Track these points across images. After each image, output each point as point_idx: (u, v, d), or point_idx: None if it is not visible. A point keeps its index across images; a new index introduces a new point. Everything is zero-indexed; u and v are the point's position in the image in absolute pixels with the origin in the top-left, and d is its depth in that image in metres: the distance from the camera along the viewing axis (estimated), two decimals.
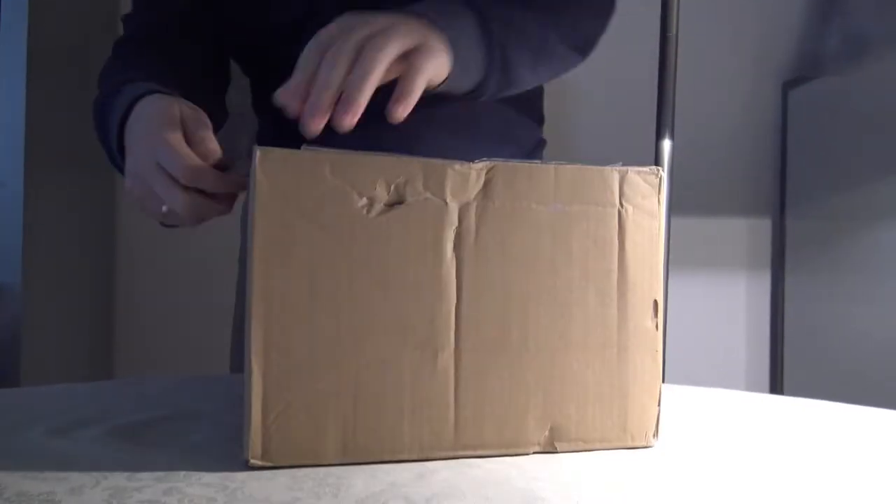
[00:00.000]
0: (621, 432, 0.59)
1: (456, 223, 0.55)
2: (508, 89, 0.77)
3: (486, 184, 0.55)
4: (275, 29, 0.84)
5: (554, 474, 0.52)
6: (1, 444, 0.56)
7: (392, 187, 0.53)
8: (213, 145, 0.63)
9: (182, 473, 0.50)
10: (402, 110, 0.58)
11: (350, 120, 0.55)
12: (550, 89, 1.01)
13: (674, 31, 1.50)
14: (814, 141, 1.94)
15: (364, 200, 0.53)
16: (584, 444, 0.58)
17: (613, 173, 0.58)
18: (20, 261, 1.81)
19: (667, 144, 1.50)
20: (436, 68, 0.61)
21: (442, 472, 0.52)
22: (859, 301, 1.77)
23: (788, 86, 2.02)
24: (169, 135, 0.62)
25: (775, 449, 0.62)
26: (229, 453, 0.55)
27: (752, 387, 2.06)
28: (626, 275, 0.58)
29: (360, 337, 0.53)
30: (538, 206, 0.56)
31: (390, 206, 0.53)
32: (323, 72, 0.57)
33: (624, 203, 0.58)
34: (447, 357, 0.54)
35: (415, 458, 0.54)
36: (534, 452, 0.57)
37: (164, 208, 0.64)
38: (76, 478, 0.49)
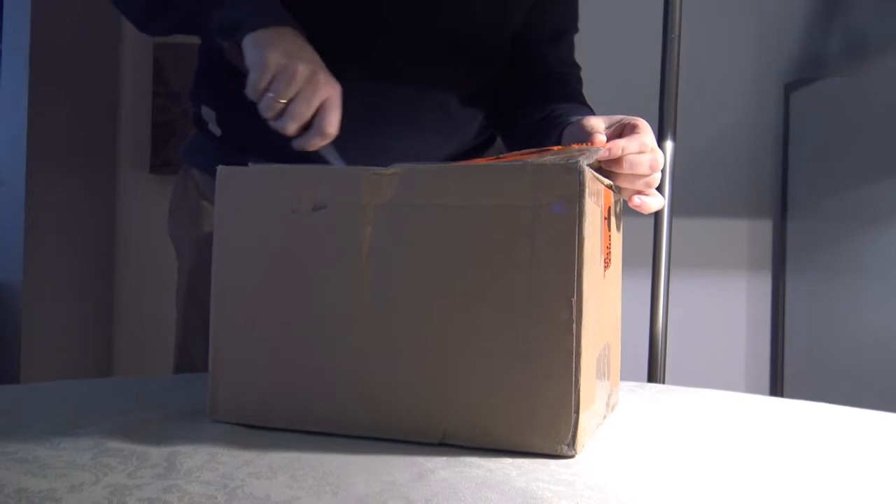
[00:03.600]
0: (529, 436, 0.56)
1: (370, 224, 0.59)
2: None
3: (398, 187, 0.59)
4: None
5: (554, 474, 0.52)
6: (1, 442, 0.56)
7: (317, 194, 0.60)
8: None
9: (182, 471, 0.50)
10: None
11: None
12: None
13: (676, 33, 1.50)
14: (815, 142, 1.94)
15: (294, 205, 0.61)
16: (488, 444, 0.57)
17: (526, 169, 0.57)
18: (21, 260, 1.81)
19: (669, 146, 1.50)
20: None
21: (441, 472, 0.52)
22: (860, 302, 1.77)
23: (790, 87, 2.02)
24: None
25: (775, 452, 0.62)
26: (230, 452, 0.55)
27: (752, 387, 2.06)
28: (538, 271, 0.56)
29: (288, 321, 0.61)
30: (448, 205, 0.58)
31: (315, 209, 0.60)
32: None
33: (538, 199, 0.56)
34: (357, 348, 0.60)
35: (327, 431, 0.60)
36: (438, 444, 0.58)
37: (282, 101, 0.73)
38: (76, 475, 0.49)
